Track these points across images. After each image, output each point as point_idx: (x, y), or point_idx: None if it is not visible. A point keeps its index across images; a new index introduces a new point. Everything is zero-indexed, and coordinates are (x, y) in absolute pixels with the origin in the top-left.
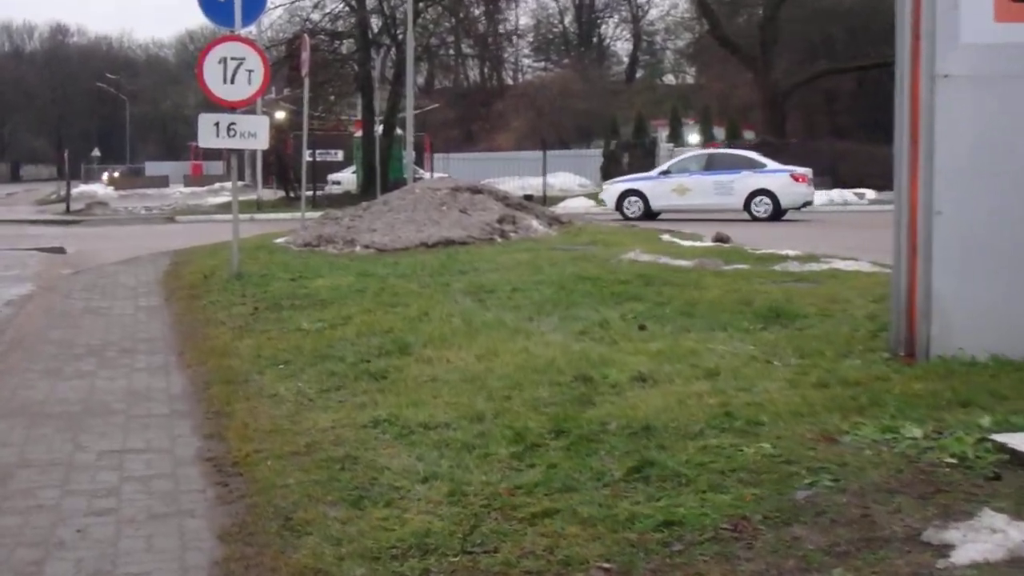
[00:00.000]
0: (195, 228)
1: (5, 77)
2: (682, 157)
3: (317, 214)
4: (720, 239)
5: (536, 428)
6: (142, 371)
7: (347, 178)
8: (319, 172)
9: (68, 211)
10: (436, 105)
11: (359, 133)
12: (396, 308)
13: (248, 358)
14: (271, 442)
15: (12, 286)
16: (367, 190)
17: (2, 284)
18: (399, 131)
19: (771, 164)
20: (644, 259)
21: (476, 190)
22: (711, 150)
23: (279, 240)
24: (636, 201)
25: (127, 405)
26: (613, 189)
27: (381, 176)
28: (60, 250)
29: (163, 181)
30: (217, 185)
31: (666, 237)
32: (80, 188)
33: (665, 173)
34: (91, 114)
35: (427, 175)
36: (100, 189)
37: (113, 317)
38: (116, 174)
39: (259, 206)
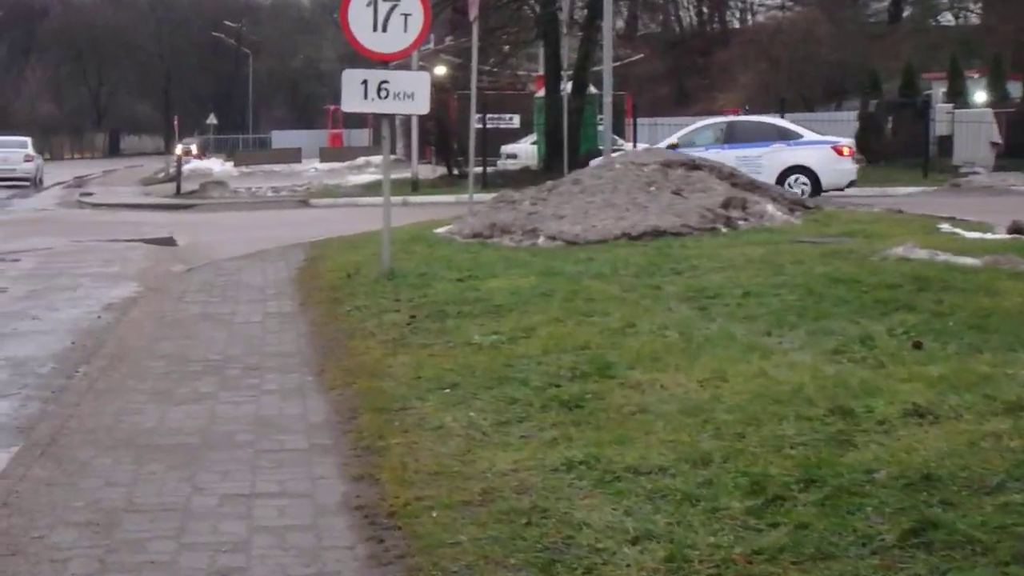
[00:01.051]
0: (335, 214)
1: (101, 26)
2: (694, 127)
3: (488, 196)
4: (1018, 229)
5: (779, 476)
6: (273, 394)
7: (525, 150)
8: (490, 143)
9: (178, 193)
10: (640, 56)
11: (541, 92)
12: (592, 317)
13: (405, 379)
14: (436, 487)
15: (112, 287)
16: (551, 165)
17: (101, 284)
18: (592, 89)
19: (808, 134)
20: (917, 256)
21: (694, 165)
22: (731, 117)
23: (441, 230)
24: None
25: (255, 437)
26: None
27: (569, 147)
28: (169, 241)
29: (294, 155)
30: (361, 160)
31: (945, 227)
32: (193, 164)
33: (672, 148)
34: (206, 72)
35: (629, 146)
36: (216, 166)
37: (236, 326)
38: (192, 148)
39: (415, 186)
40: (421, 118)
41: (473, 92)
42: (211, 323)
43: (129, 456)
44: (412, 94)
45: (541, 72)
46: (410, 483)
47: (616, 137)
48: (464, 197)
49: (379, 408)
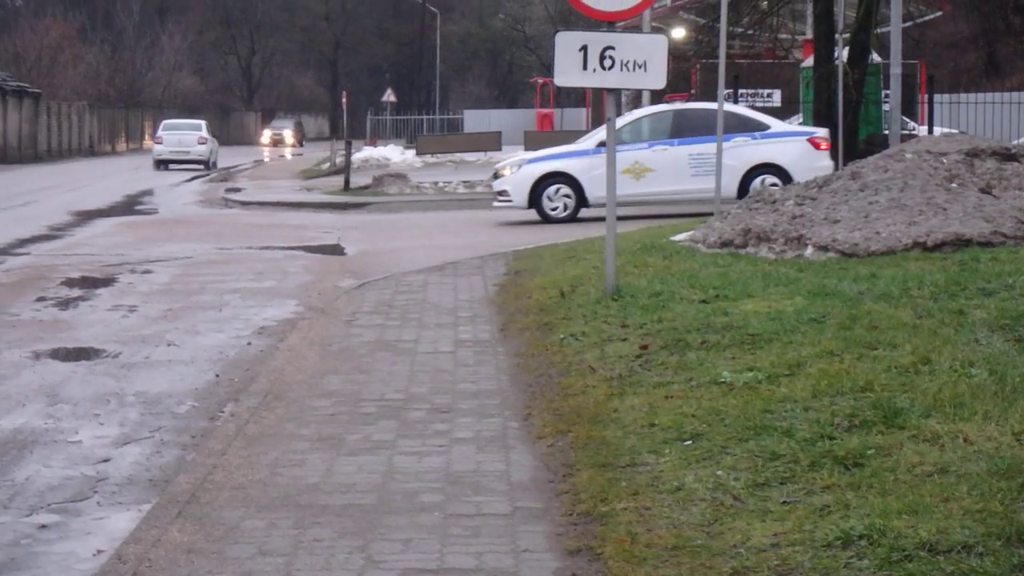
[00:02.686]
0: None
1: None
2: (632, 117)
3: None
4: None
5: None
6: (467, 443)
7: None
8: None
9: (347, 188)
10: (939, 13)
11: (808, 62)
12: (876, 351)
13: (634, 427)
14: (674, 566)
15: (267, 306)
16: None
17: (252, 303)
18: (876, 57)
19: (776, 124)
20: None
21: (1009, 155)
22: (677, 104)
23: (679, 237)
24: (562, 190)
25: (444, 497)
26: (524, 173)
27: (845, 132)
28: (336, 249)
29: (492, 141)
30: None
31: None
32: (365, 152)
33: (601, 145)
34: (383, 38)
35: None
36: (394, 154)
37: (420, 357)
38: (287, 134)
39: None
40: (655, 94)
41: (722, 61)
42: (389, 353)
43: (288, 519)
44: (644, 63)
45: (809, 36)
46: (641, 560)
47: (906, 119)
48: (704, 196)
49: (601, 463)
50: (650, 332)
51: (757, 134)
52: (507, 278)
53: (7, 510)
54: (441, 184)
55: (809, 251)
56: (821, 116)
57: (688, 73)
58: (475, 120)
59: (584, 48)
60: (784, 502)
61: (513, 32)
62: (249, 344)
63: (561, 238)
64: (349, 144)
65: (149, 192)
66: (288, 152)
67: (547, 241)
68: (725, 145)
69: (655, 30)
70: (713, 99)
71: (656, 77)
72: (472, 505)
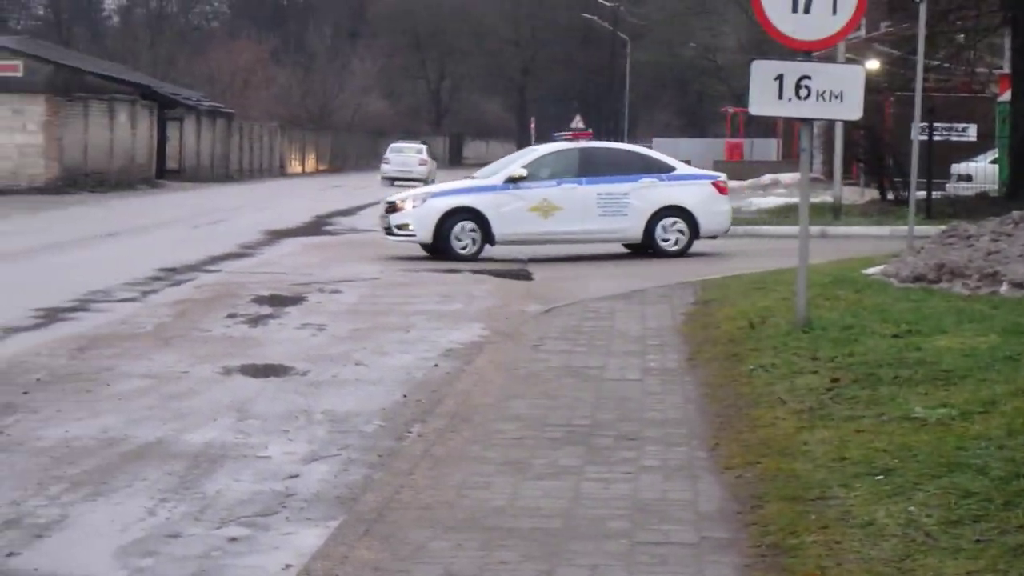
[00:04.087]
0: (731, 245)
1: (444, 7)
2: (539, 153)
3: (933, 229)
4: None
5: None
6: (654, 472)
7: (983, 170)
8: (938, 160)
9: None
10: None
11: (1005, 96)
12: None
13: (824, 461)
14: None
15: (452, 328)
16: (1018, 191)
17: (438, 325)
18: None
19: (681, 166)
20: None
21: None
22: (582, 143)
23: (871, 270)
24: (468, 227)
25: (631, 524)
26: (429, 207)
27: None
28: (523, 274)
29: None
30: (767, 178)
31: None
32: None
33: (514, 181)
34: (571, 65)
35: None
36: None
37: (607, 384)
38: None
39: (836, 213)
40: (847, 126)
41: (918, 94)
42: (575, 379)
43: (474, 540)
44: (840, 94)
45: (1006, 70)
46: None
47: None
48: (901, 229)
49: (790, 496)
50: (841, 365)
51: (664, 176)
52: (695, 307)
53: (198, 522)
54: None
55: (1004, 288)
56: (1017, 152)
57: (882, 105)
58: (663, 148)
59: (780, 77)
60: (977, 540)
61: (704, 61)
62: (436, 366)
63: (746, 269)
64: None
65: (337, 213)
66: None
67: (733, 271)
68: (632, 186)
69: (849, 61)
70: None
71: (852, 108)
72: (659, 533)
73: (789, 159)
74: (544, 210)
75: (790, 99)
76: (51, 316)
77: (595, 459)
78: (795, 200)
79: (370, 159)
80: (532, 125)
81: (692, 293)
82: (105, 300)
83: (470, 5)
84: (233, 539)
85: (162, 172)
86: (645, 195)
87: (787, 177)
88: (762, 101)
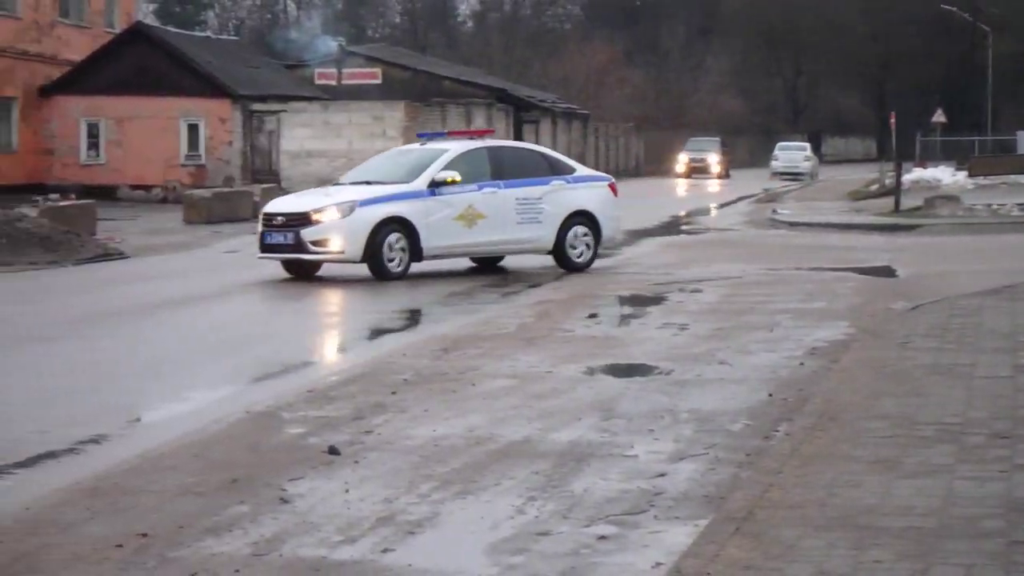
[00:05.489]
0: None
1: (798, 4)
2: (455, 153)
3: None
4: None
5: None
6: None
7: None
8: None
9: (897, 210)
10: None
11: None
12: None
13: None
14: None
15: (816, 327)
16: None
17: (802, 323)
18: None
19: (579, 166)
20: None
21: None
22: (488, 141)
23: None
24: (398, 240)
25: (1006, 524)
26: (359, 218)
27: None
28: (887, 271)
29: None
30: None
31: None
32: (915, 174)
33: (436, 186)
34: (930, 57)
35: None
36: (945, 175)
37: (977, 382)
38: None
39: None
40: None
41: None
42: (944, 377)
43: (846, 539)
44: None
45: None
46: None
47: None
48: None
49: None
50: None
51: (568, 177)
52: None
53: (566, 520)
54: (995, 207)
55: None
56: None
57: None
58: None
59: None
60: None
61: None
62: (801, 364)
63: None
64: (899, 166)
65: (694, 213)
66: (715, 183)
67: None
68: (544, 189)
69: None
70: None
71: None
72: None
73: None
74: (469, 219)
75: None
76: (416, 317)
77: (967, 457)
78: None
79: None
80: (892, 120)
81: None
82: (467, 301)
83: (824, 1)
84: (602, 537)
85: None
86: (556, 200)
87: None
88: None
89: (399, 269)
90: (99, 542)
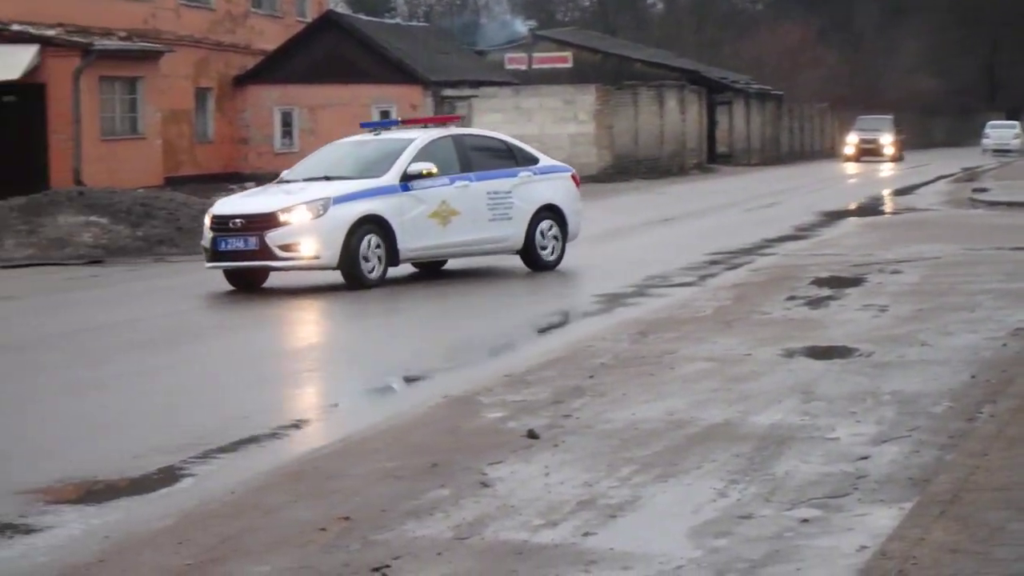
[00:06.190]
0: None
1: None
2: (417, 141)
3: None
4: None
5: None
6: None
7: None
8: None
9: None
10: None
11: None
12: None
13: None
14: None
15: (1020, 307)
16: None
17: (1003, 304)
18: None
19: (542, 156)
20: None
21: None
22: (452, 129)
23: None
24: (374, 243)
25: None
26: (334, 217)
27: None
28: None
29: None
30: None
31: None
32: None
33: (409, 180)
34: None
35: None
36: None
37: None
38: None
39: None
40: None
41: None
42: None
43: None
44: None
45: None
46: None
47: None
48: None
49: None
50: None
51: (535, 168)
52: None
53: (768, 503)
54: None
55: None
56: None
57: None
58: None
59: None
60: None
61: None
62: (1004, 345)
63: None
64: None
65: (890, 193)
66: (888, 167)
67: None
68: (513, 182)
69: None
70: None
71: None
72: None
73: None
74: (443, 216)
75: None
76: (612, 301)
77: None
78: None
79: (921, 138)
80: None
81: None
82: (663, 284)
83: None
84: (805, 520)
85: (713, 156)
86: (525, 193)
87: None
88: None
89: (376, 276)
90: (303, 525)
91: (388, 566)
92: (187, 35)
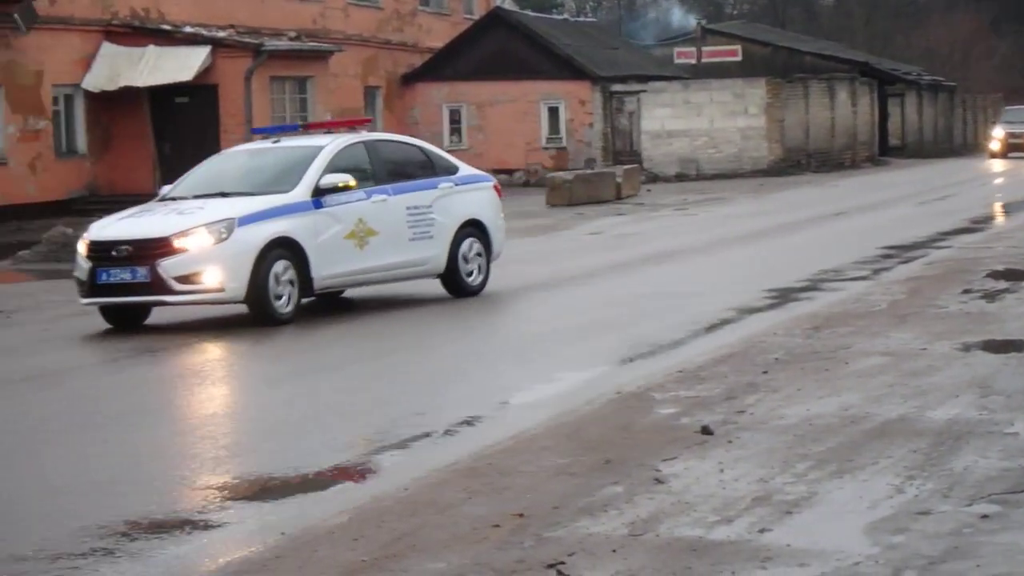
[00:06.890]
0: None
1: None
2: (328, 149)
3: None
4: None
5: None
6: None
7: None
8: None
9: None
10: None
11: None
12: None
13: None
14: None
15: None
16: None
17: None
18: None
19: (461, 163)
20: None
21: None
22: (364, 134)
23: None
24: (286, 268)
25: None
26: (240, 241)
27: None
28: None
29: None
30: None
31: None
32: None
33: (321, 195)
34: None
35: None
36: None
37: None
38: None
39: None
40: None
41: None
42: None
43: None
44: None
45: None
46: None
47: None
48: None
49: None
50: None
51: (455, 179)
52: None
53: (947, 499)
54: None
55: None
56: None
57: None
58: None
59: None
60: None
61: None
62: None
63: None
64: None
65: None
66: None
67: None
68: (434, 195)
69: None
70: None
71: None
72: None
73: None
74: (360, 236)
75: None
76: (785, 296)
77: None
78: None
79: None
80: None
81: None
82: (836, 279)
83: None
84: (984, 516)
85: (884, 149)
86: (446, 207)
87: None
88: None
89: (288, 309)
90: (477, 522)
91: (563, 563)
92: (355, 34)
